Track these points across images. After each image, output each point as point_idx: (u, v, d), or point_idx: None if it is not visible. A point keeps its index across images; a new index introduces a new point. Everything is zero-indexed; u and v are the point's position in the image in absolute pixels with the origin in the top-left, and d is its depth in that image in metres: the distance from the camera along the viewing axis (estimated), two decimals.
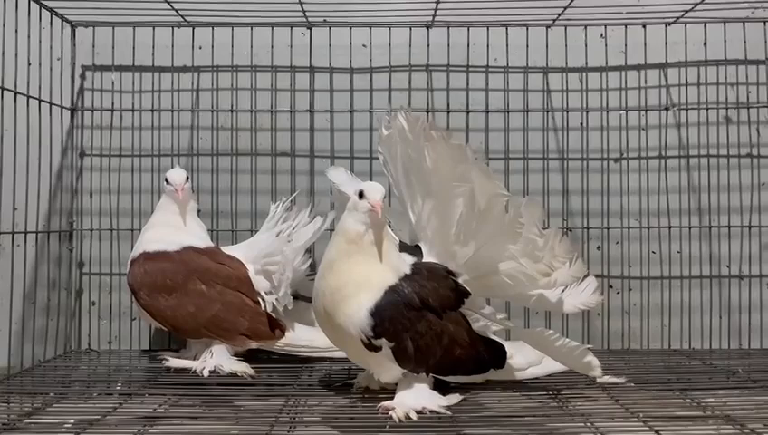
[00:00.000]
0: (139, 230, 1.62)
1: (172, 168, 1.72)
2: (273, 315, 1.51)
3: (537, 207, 1.22)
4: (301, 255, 1.54)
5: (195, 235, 1.57)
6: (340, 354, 1.51)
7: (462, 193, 1.21)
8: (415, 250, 1.33)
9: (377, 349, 1.21)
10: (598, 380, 1.37)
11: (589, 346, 1.34)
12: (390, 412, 1.16)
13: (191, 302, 1.48)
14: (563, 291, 1.30)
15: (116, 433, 1.12)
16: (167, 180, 1.55)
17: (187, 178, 1.56)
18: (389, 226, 1.37)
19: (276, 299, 1.51)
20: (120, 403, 1.27)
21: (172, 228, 1.55)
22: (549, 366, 1.37)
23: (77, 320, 1.77)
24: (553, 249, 1.22)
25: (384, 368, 1.25)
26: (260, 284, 1.52)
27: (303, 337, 1.54)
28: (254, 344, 1.52)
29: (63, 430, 1.12)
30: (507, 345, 1.34)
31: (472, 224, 1.22)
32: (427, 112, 1.77)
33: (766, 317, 1.75)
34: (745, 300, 1.75)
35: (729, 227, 1.75)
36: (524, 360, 1.36)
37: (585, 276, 1.32)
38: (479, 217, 1.21)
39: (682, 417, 1.18)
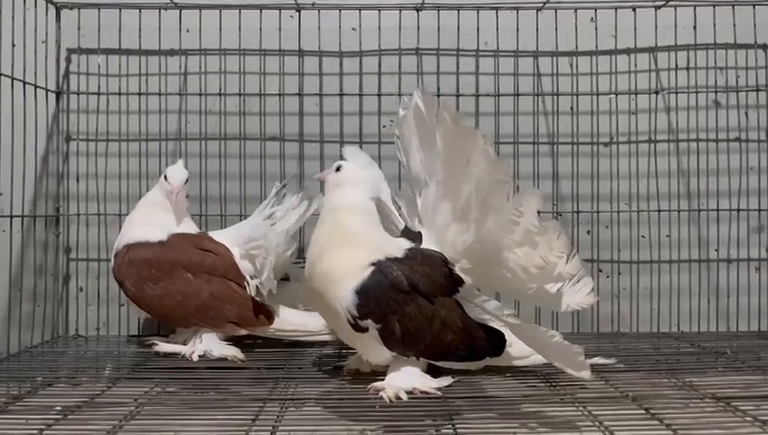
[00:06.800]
0: (127, 215, 1.60)
1: (160, 152, 1.72)
2: (258, 300, 1.50)
3: (536, 198, 1.17)
4: (285, 239, 1.52)
5: (180, 222, 1.54)
6: (332, 337, 1.52)
7: (469, 178, 1.20)
8: (417, 236, 1.32)
9: (363, 330, 1.21)
10: (588, 362, 1.38)
11: (581, 349, 1.30)
12: (381, 393, 1.16)
13: (178, 291, 1.46)
14: (559, 288, 1.27)
15: (104, 417, 1.11)
16: (165, 177, 1.51)
17: (187, 180, 1.51)
18: (396, 210, 1.37)
19: (260, 283, 1.49)
20: (109, 387, 1.26)
21: (156, 217, 1.52)
22: None
23: (64, 306, 1.75)
24: (550, 243, 1.18)
25: (372, 350, 1.25)
26: (245, 268, 1.51)
27: (295, 321, 1.53)
28: (243, 331, 1.51)
29: (52, 413, 1.11)
30: (508, 333, 1.30)
31: (475, 210, 1.21)
32: None
33: (754, 300, 1.76)
34: (733, 283, 1.76)
35: (718, 210, 1.76)
36: (527, 348, 1.30)
37: (582, 277, 1.29)
38: (481, 204, 1.19)
39: (672, 397, 1.18)
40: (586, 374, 1.15)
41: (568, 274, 1.22)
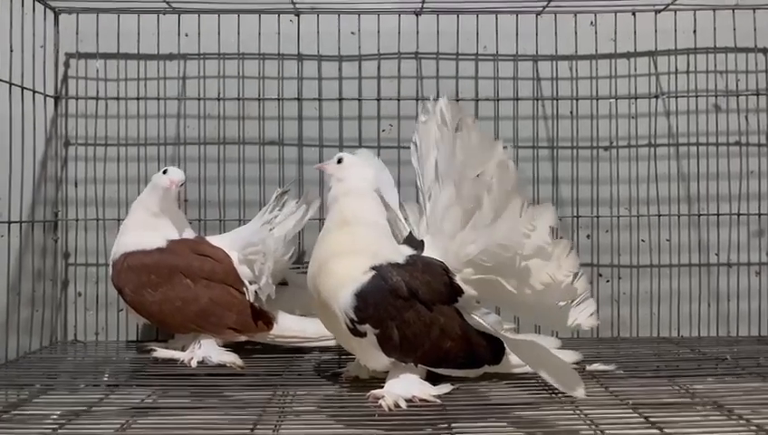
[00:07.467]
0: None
1: (158, 157, 1.72)
2: (257, 305, 1.49)
3: (550, 213, 1.17)
4: (283, 245, 1.52)
5: (176, 227, 1.53)
6: (332, 344, 1.51)
7: (484, 187, 1.19)
8: (419, 244, 1.31)
9: (361, 334, 1.20)
10: (587, 368, 1.38)
11: (577, 362, 1.31)
12: (380, 401, 1.15)
13: (177, 296, 1.45)
14: (564, 305, 1.25)
15: (102, 424, 1.11)
16: (164, 171, 1.51)
17: (183, 184, 1.52)
18: (402, 216, 1.37)
19: (259, 288, 1.49)
20: (107, 394, 1.26)
21: (153, 222, 1.51)
22: None
23: (63, 311, 1.75)
24: (559, 260, 1.18)
25: (371, 355, 1.24)
26: (243, 273, 1.50)
27: (294, 327, 1.52)
28: (242, 338, 1.50)
29: (50, 421, 1.11)
30: None
31: (486, 221, 1.20)
32: (417, 100, 1.75)
33: (754, 305, 1.75)
34: (734, 288, 1.76)
35: (718, 214, 1.76)
36: None
37: (584, 299, 1.28)
38: (494, 214, 1.19)
39: (671, 404, 1.18)
40: (580, 393, 1.12)
41: (573, 293, 1.21)
